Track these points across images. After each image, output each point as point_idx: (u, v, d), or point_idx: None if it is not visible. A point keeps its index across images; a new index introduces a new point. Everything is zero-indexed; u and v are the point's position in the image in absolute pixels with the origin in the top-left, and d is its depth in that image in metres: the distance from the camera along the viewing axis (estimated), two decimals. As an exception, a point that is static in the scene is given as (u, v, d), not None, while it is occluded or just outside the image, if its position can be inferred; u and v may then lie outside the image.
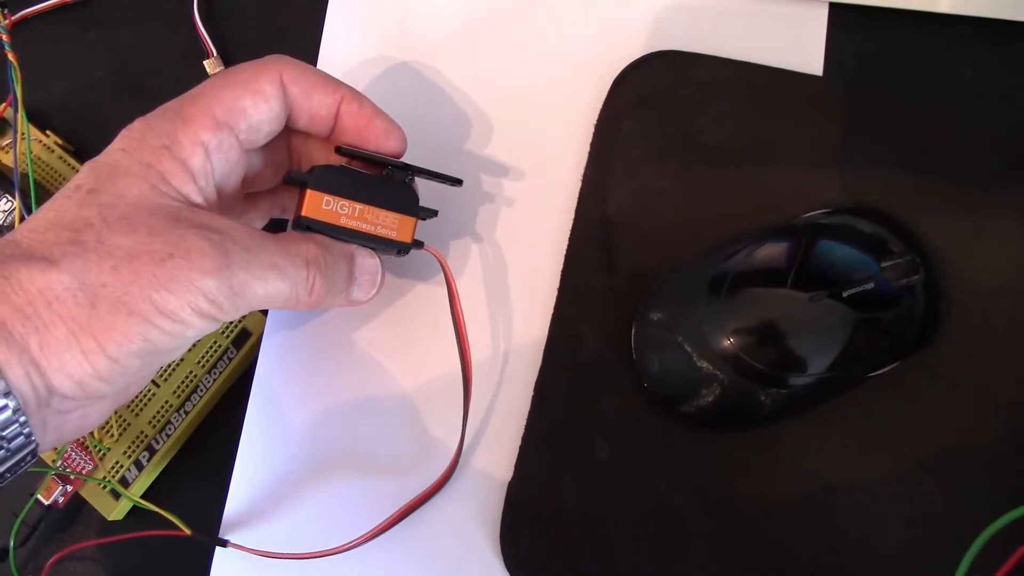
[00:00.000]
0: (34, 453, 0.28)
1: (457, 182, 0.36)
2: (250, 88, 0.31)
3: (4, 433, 0.26)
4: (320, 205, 0.32)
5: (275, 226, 0.36)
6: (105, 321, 0.27)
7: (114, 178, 0.29)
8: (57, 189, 0.34)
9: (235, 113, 0.31)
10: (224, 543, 0.36)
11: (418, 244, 0.34)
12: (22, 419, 0.26)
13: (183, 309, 0.28)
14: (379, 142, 0.34)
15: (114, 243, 0.27)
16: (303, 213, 0.32)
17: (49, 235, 0.27)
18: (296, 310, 0.33)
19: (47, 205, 0.29)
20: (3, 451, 0.26)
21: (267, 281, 0.29)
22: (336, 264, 0.32)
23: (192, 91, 0.31)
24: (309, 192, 0.32)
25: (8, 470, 0.27)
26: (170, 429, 0.38)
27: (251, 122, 0.31)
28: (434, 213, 0.35)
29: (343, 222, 0.33)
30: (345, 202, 0.33)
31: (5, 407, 0.26)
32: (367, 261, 0.34)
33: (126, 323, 0.27)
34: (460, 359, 0.35)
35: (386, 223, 0.33)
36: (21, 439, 0.27)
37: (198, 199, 0.30)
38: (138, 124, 0.30)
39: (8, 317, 0.26)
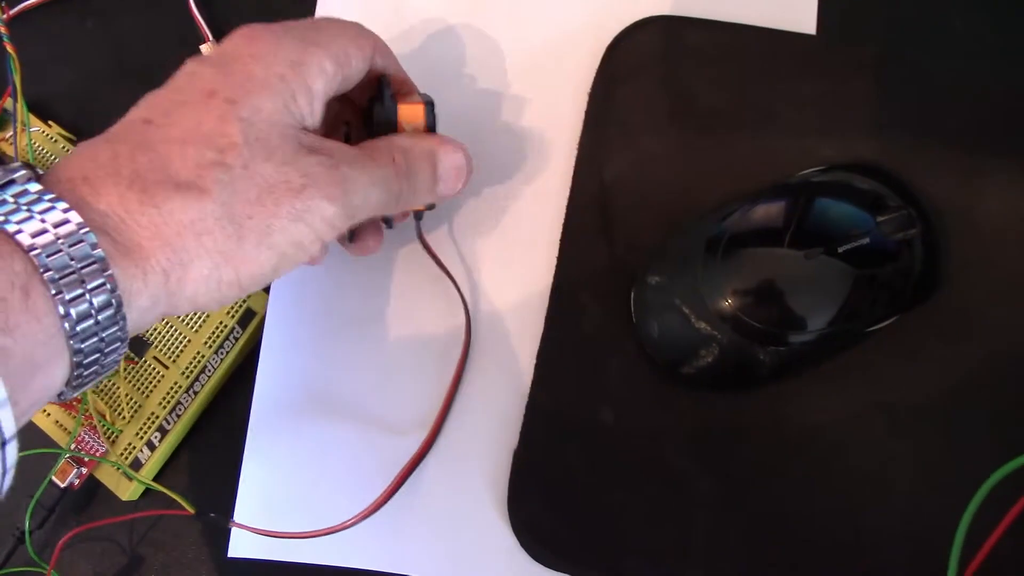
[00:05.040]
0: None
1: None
2: (358, 43, 0.31)
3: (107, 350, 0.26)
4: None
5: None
6: (249, 254, 0.27)
7: (249, 89, 0.28)
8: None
9: (343, 58, 0.31)
10: (226, 523, 0.37)
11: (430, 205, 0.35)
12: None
13: (314, 242, 0.28)
14: None
15: (256, 170, 0.27)
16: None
17: (191, 151, 0.27)
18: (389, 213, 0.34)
19: (175, 101, 0.28)
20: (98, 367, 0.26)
21: (370, 197, 0.30)
22: (421, 166, 0.32)
23: (303, 24, 0.31)
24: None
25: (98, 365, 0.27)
26: (180, 409, 0.39)
27: (349, 71, 0.31)
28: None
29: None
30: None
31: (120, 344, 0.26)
32: (453, 156, 0.34)
33: (266, 256, 0.27)
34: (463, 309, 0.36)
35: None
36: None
37: (311, 123, 0.30)
38: (265, 33, 0.29)
39: (156, 251, 0.26)
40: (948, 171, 0.36)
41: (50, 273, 0.24)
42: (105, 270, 0.24)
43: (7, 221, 0.24)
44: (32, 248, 0.24)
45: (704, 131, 0.38)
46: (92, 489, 0.40)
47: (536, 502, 0.36)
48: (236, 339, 0.39)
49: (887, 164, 0.35)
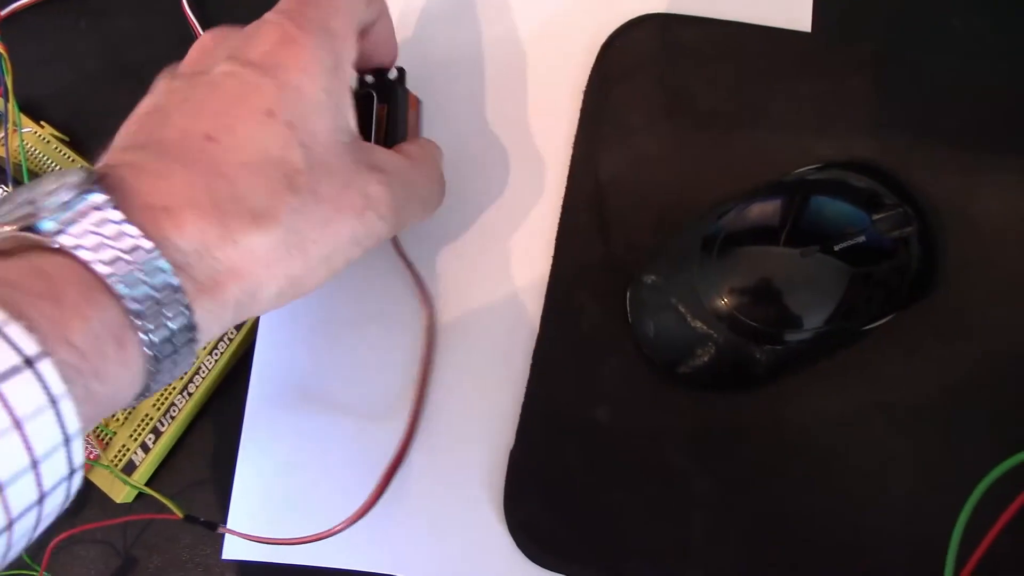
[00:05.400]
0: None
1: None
2: (353, 6, 0.30)
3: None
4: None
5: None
6: (310, 275, 0.28)
7: (304, 111, 0.27)
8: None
9: (355, 33, 0.30)
10: (214, 527, 0.36)
11: None
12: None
13: (361, 254, 0.29)
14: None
15: (322, 195, 0.27)
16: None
17: (263, 177, 0.26)
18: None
19: (233, 115, 0.26)
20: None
21: (416, 210, 0.31)
22: (438, 170, 0.33)
23: (316, 9, 0.28)
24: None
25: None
26: (174, 411, 0.39)
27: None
28: None
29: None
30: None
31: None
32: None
33: (323, 271, 0.28)
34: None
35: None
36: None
37: (352, 123, 0.29)
38: (300, 37, 0.27)
39: (231, 286, 0.26)
40: (947, 170, 0.36)
41: (141, 322, 0.23)
42: (187, 309, 0.24)
43: (97, 260, 0.23)
44: (123, 296, 0.23)
45: (700, 129, 0.37)
46: (85, 491, 0.40)
47: (533, 502, 0.35)
48: (230, 340, 0.39)
49: (885, 163, 0.35)
